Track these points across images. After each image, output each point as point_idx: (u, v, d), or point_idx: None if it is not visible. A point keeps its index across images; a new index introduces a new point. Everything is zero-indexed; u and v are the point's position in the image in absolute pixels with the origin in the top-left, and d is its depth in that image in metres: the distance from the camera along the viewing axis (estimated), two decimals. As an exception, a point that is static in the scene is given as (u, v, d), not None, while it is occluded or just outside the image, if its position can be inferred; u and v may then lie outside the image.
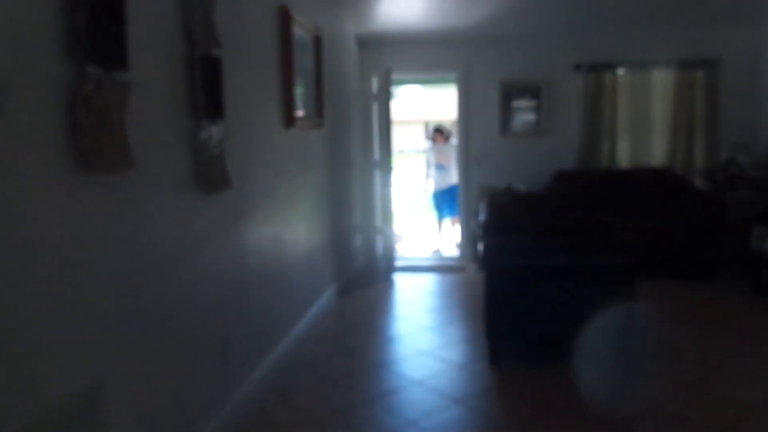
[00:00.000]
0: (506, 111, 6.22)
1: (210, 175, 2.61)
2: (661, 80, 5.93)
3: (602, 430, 2.75)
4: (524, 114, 6.24)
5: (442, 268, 5.98)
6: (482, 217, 5.22)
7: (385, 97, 5.76)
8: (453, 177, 6.90)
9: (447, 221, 7.21)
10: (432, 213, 7.51)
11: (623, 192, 5.67)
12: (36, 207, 1.61)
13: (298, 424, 2.88)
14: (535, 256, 3.42)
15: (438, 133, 7.43)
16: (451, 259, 6.43)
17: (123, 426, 1.99)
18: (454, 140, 7.25)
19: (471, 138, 6.27)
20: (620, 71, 5.96)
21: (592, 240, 3.44)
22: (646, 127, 6.00)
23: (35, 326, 1.60)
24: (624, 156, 6.08)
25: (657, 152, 6.03)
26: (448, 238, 7.10)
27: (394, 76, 6.20)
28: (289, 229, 3.86)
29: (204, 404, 2.60)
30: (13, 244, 1.52)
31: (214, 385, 2.70)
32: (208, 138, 2.59)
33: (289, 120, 3.74)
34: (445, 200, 7.06)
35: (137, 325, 2.10)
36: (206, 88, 2.56)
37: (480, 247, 5.21)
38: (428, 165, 7.41)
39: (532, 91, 6.16)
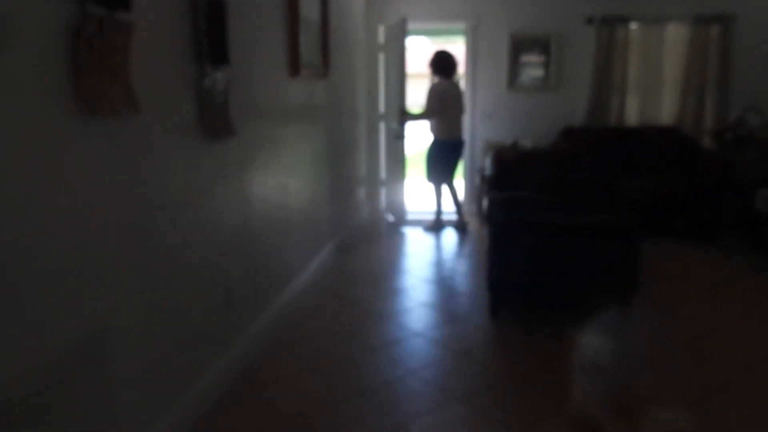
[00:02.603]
0: (515, 65, 6.10)
1: (214, 121, 2.57)
2: (675, 35, 5.79)
3: (600, 387, 2.79)
4: (533, 68, 6.12)
5: (445, 222, 5.97)
6: (488, 172, 5.19)
7: (399, 48, 5.55)
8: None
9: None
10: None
11: (630, 150, 5.61)
12: (41, 148, 1.59)
13: (300, 372, 2.93)
14: (540, 212, 3.41)
15: None
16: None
17: (129, 367, 2.03)
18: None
19: (477, 92, 6.17)
20: (633, 25, 5.81)
21: (597, 197, 3.42)
22: (657, 84, 5.89)
23: (42, 267, 1.61)
24: (633, 113, 5.99)
25: (666, 110, 5.94)
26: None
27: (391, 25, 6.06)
28: (293, 179, 3.84)
29: (208, 349, 2.64)
30: (18, 186, 1.51)
31: (218, 331, 2.73)
32: (213, 84, 2.55)
33: (294, 68, 3.67)
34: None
35: (143, 268, 2.11)
36: (210, 33, 2.50)
37: (484, 201, 5.20)
38: None
39: (542, 44, 6.03)
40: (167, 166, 2.26)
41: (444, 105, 5.44)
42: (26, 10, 1.52)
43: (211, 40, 2.50)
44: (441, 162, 5.58)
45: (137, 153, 2.05)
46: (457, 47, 6.37)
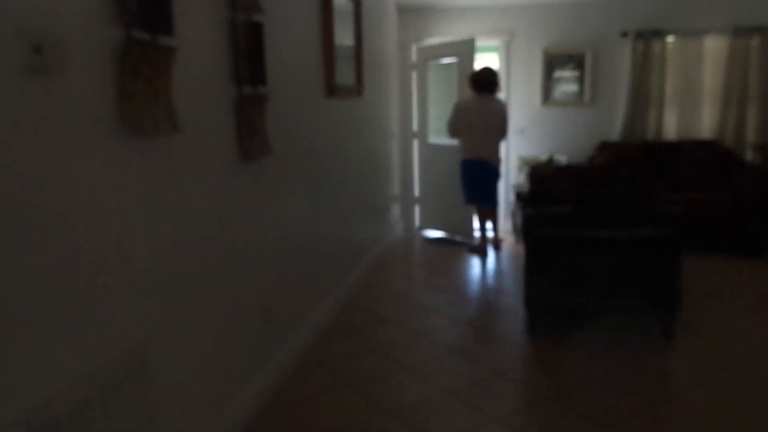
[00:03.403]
0: (548, 80, 6.07)
1: (251, 141, 2.62)
2: (713, 48, 5.68)
3: (642, 407, 2.72)
4: (567, 83, 6.08)
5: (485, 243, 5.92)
6: (523, 188, 5.15)
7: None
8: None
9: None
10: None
11: (669, 165, 5.51)
12: (86, 167, 1.65)
13: (335, 390, 2.93)
14: (577, 228, 3.37)
15: None
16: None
17: (168, 384, 2.06)
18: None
19: (512, 108, 6.14)
20: (670, 38, 5.73)
21: (636, 212, 3.36)
22: (696, 97, 5.77)
23: (87, 283, 1.66)
24: (671, 128, 5.88)
25: (706, 124, 5.81)
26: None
27: (429, 45, 6.11)
28: (328, 198, 3.88)
29: (245, 366, 2.67)
30: (65, 204, 1.57)
31: (255, 348, 2.76)
32: (250, 104, 2.60)
33: (329, 88, 3.73)
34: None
35: (183, 286, 2.15)
36: (248, 54, 2.56)
37: (519, 218, 5.14)
38: None
39: (577, 59, 5.98)
40: (206, 186, 2.32)
41: (467, 122, 5.20)
42: (76, 34, 1.58)
43: (249, 61, 2.57)
44: (465, 181, 5.35)
45: (177, 172, 2.11)
46: (492, 63, 6.29)
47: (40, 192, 1.48)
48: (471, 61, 5.52)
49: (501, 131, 5.30)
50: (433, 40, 6.11)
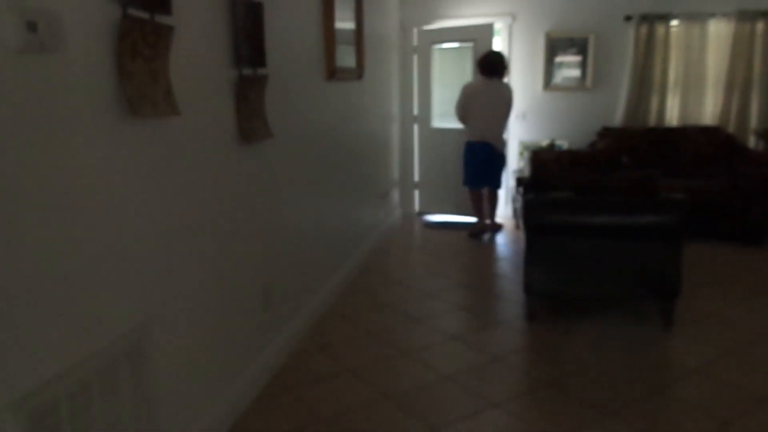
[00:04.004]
0: (550, 64, 6.01)
1: (251, 124, 2.59)
2: (718, 32, 5.61)
3: (641, 395, 2.72)
4: (569, 68, 6.01)
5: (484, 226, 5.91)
6: (523, 174, 5.12)
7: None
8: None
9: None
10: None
11: (671, 150, 5.47)
12: (85, 147, 1.62)
13: (334, 374, 2.92)
14: (578, 214, 3.34)
15: None
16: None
17: (168, 365, 2.05)
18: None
19: (513, 92, 6.07)
20: (674, 22, 5.66)
21: (637, 199, 3.33)
22: (699, 82, 5.72)
23: (87, 264, 1.64)
24: (673, 113, 5.83)
25: (709, 110, 5.76)
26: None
27: (433, 28, 6.05)
28: (328, 181, 3.85)
29: (246, 349, 2.66)
30: (63, 184, 1.54)
31: (255, 331, 2.75)
32: (250, 86, 2.56)
33: (330, 71, 3.68)
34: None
35: (182, 269, 2.13)
36: (248, 35, 2.52)
37: (519, 203, 5.13)
38: None
39: (579, 43, 5.92)
40: (206, 168, 2.29)
41: (471, 105, 5.25)
42: (72, 11, 1.54)
43: (248, 42, 2.52)
44: (470, 165, 5.39)
45: (176, 154, 2.08)
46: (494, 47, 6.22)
47: (37, 172, 1.45)
48: (489, 45, 5.61)
49: (507, 116, 5.35)
50: (445, 23, 6.04)
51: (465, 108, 5.31)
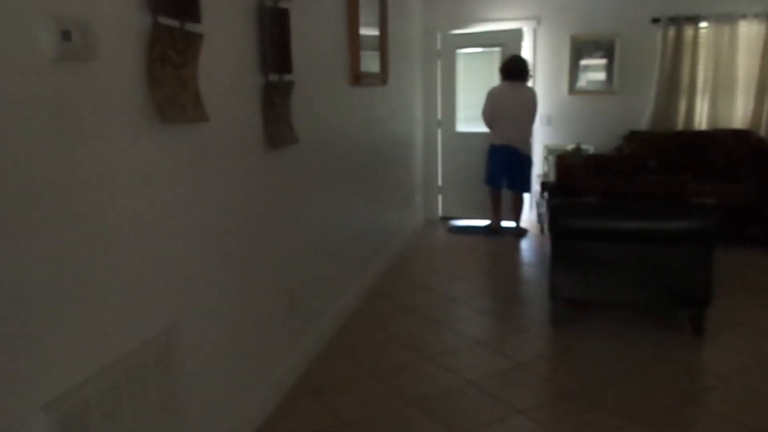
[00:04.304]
0: (575, 68, 5.95)
1: (278, 129, 2.61)
2: (749, 34, 5.49)
3: (671, 403, 2.66)
4: (595, 71, 5.95)
5: (503, 230, 5.87)
6: (549, 178, 5.07)
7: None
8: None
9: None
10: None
11: (700, 154, 5.36)
12: (115, 155, 1.65)
13: (358, 378, 2.92)
14: (605, 219, 3.30)
15: None
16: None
17: (195, 367, 2.07)
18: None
19: (538, 96, 6.02)
20: (703, 24, 5.56)
21: (666, 203, 3.27)
22: (729, 85, 5.60)
23: (118, 268, 1.66)
24: (702, 116, 5.73)
25: (739, 113, 5.64)
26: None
27: (457, 33, 6.04)
28: (352, 186, 3.86)
29: (270, 352, 2.67)
30: (93, 192, 1.57)
31: (280, 334, 2.77)
32: (277, 92, 2.58)
33: (354, 76, 3.69)
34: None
35: (210, 273, 2.15)
36: (274, 42, 2.54)
37: (544, 208, 5.08)
38: None
39: (605, 46, 5.85)
40: (233, 173, 2.31)
41: (496, 109, 5.38)
42: (105, 20, 1.57)
43: (274, 48, 2.54)
44: (492, 166, 5.55)
45: (205, 160, 2.10)
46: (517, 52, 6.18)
47: (70, 178, 1.48)
48: (518, 50, 5.72)
49: (531, 119, 5.43)
50: (470, 28, 6.04)
51: (491, 113, 5.43)
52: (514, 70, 5.34)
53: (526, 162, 5.49)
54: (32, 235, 1.38)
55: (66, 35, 1.42)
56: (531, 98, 5.40)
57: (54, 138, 1.43)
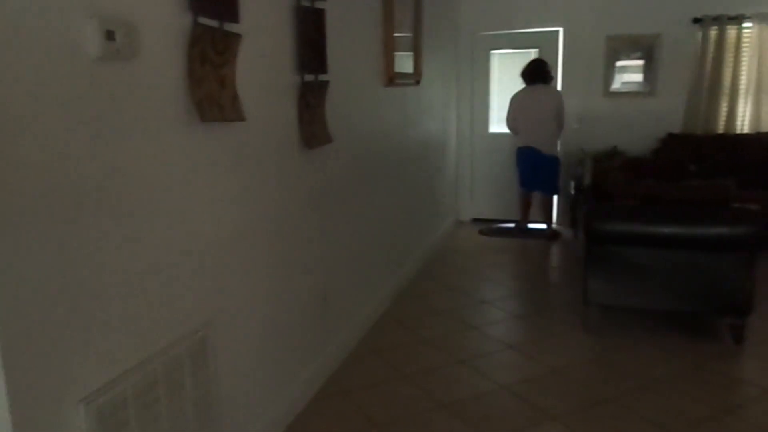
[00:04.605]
0: (611, 69, 5.83)
1: (312, 129, 2.62)
2: (795, 35, 5.31)
3: (709, 415, 2.59)
4: (631, 72, 5.82)
5: (534, 232, 5.81)
6: (584, 181, 4.99)
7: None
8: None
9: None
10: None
11: (742, 159, 5.21)
12: (156, 153, 1.67)
13: (389, 380, 2.92)
14: (642, 223, 3.22)
15: None
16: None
17: (229, 364, 2.09)
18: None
19: (571, 98, 5.92)
20: (747, 24, 5.39)
21: (708, 208, 3.18)
22: (773, 87, 5.43)
23: (157, 262, 1.69)
24: (745, 119, 5.55)
25: (784, 116, 5.46)
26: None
27: (492, 34, 5.99)
28: (385, 187, 3.85)
29: (303, 350, 2.68)
30: (133, 189, 1.60)
31: (312, 333, 2.78)
32: (312, 92, 2.59)
33: (388, 77, 3.69)
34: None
35: (245, 270, 2.17)
36: (310, 42, 2.55)
37: (578, 211, 5.00)
38: None
39: (642, 47, 5.72)
40: (269, 173, 2.32)
41: (517, 113, 5.47)
42: (147, 20, 1.60)
43: (310, 48, 2.55)
44: (520, 168, 5.61)
45: (242, 159, 2.12)
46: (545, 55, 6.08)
47: (113, 175, 1.51)
48: (555, 52, 5.75)
49: (554, 120, 5.43)
50: (505, 29, 5.99)
51: (513, 117, 5.53)
52: (532, 73, 5.42)
53: (551, 163, 5.50)
54: (76, 231, 1.41)
55: (110, 35, 1.45)
56: (552, 100, 5.41)
57: (97, 135, 1.46)
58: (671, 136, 5.56)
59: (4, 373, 1.24)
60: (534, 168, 5.50)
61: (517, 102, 5.50)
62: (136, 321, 1.63)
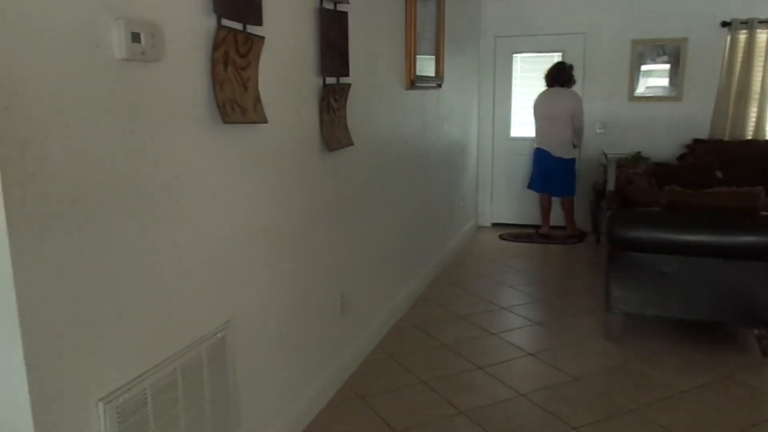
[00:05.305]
0: (636, 73, 5.75)
1: (334, 132, 2.61)
2: (827, 39, 5.19)
3: (735, 429, 2.52)
4: (657, 76, 5.74)
5: (555, 238, 5.75)
6: (608, 185, 4.92)
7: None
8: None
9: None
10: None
11: (771, 166, 5.09)
12: (180, 152, 1.68)
13: (407, 384, 2.90)
14: (668, 230, 3.16)
15: None
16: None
17: (247, 364, 2.09)
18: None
19: (595, 102, 5.85)
20: (777, 28, 5.28)
21: (735, 216, 3.11)
22: (805, 93, 5.30)
23: (173, 267, 1.69)
24: (774, 126, 5.44)
25: (815, 122, 5.33)
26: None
27: (515, 37, 5.94)
28: (405, 190, 3.84)
29: (321, 353, 2.68)
30: (157, 188, 1.60)
31: (330, 336, 2.77)
32: (333, 95, 2.59)
33: (410, 80, 3.68)
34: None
35: (265, 271, 2.17)
36: (333, 44, 2.55)
37: (600, 216, 4.93)
38: None
39: (669, 51, 5.63)
40: (291, 175, 2.32)
41: (536, 114, 5.57)
42: (172, 23, 1.61)
43: (333, 51, 2.55)
44: (532, 168, 5.72)
45: (264, 161, 2.12)
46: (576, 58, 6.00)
47: (136, 175, 1.52)
48: (579, 55, 5.74)
49: (569, 124, 5.45)
50: (529, 31, 5.94)
51: (534, 117, 5.63)
52: (553, 76, 5.48)
53: (563, 165, 5.51)
54: (98, 231, 1.41)
55: (135, 37, 1.45)
56: (568, 103, 5.42)
57: (121, 136, 1.47)
58: (697, 142, 5.46)
59: (27, 373, 1.25)
60: (545, 170, 5.56)
61: (536, 103, 5.58)
62: (156, 321, 1.63)
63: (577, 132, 5.49)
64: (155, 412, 1.63)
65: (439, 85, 4.44)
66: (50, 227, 1.29)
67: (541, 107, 5.54)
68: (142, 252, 1.56)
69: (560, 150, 5.48)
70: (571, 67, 5.48)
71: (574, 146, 5.53)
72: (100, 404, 1.45)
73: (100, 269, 1.43)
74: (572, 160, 5.53)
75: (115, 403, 1.49)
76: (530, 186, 5.78)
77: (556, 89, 5.47)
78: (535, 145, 5.63)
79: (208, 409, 1.86)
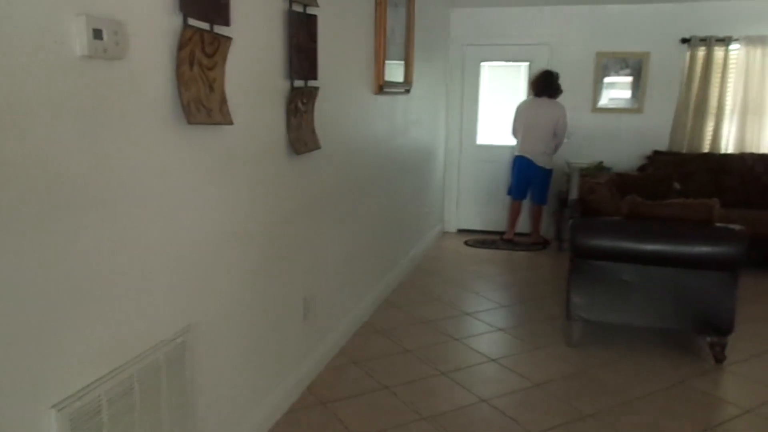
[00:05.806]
0: (599, 85, 5.89)
1: (301, 135, 2.60)
2: (781, 57, 5.40)
3: (691, 431, 2.59)
4: (619, 89, 5.89)
5: (520, 244, 5.83)
6: (570, 194, 5.01)
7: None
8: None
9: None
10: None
11: (727, 179, 5.27)
12: (141, 152, 1.64)
13: (369, 390, 2.89)
14: (627, 239, 3.23)
15: None
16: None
17: (207, 371, 2.05)
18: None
19: (561, 112, 5.95)
20: (734, 46, 5.47)
21: (692, 227, 3.20)
22: (759, 109, 5.50)
23: (130, 269, 1.65)
24: (730, 140, 5.63)
25: (768, 138, 5.54)
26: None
27: (482, 45, 6.02)
28: (372, 195, 3.84)
29: (283, 359, 2.65)
30: (115, 189, 1.56)
31: (293, 342, 2.74)
32: (301, 98, 2.57)
33: (378, 84, 3.68)
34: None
35: (227, 276, 2.13)
36: (301, 48, 2.53)
37: (563, 224, 5.03)
38: None
39: (631, 65, 5.78)
40: (255, 178, 2.30)
41: (518, 121, 5.60)
42: (136, 20, 1.57)
43: (301, 54, 2.54)
44: (512, 176, 5.77)
45: (228, 163, 2.09)
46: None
47: (93, 174, 1.48)
48: (544, 65, 5.81)
49: (552, 135, 5.51)
50: (495, 42, 6.01)
51: (516, 127, 5.64)
52: (539, 85, 5.48)
53: (542, 174, 5.61)
54: (53, 230, 1.37)
55: (97, 33, 1.42)
56: (553, 114, 5.46)
57: (81, 134, 1.42)
58: (657, 154, 5.61)
59: (-27, 378, 1.20)
60: (525, 178, 5.64)
61: (520, 111, 5.61)
62: (113, 325, 1.59)
63: (557, 143, 5.59)
64: (110, 419, 1.58)
65: (408, 91, 4.46)
66: (2, 227, 1.24)
67: (527, 115, 5.53)
68: (100, 254, 1.52)
69: (542, 159, 5.56)
70: (557, 76, 5.50)
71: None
72: (53, 411, 1.40)
73: (54, 271, 1.38)
74: (551, 171, 5.65)
75: (69, 410, 1.44)
76: (509, 192, 5.84)
77: (544, 99, 5.48)
78: (516, 153, 5.66)
79: (166, 415, 1.82)
